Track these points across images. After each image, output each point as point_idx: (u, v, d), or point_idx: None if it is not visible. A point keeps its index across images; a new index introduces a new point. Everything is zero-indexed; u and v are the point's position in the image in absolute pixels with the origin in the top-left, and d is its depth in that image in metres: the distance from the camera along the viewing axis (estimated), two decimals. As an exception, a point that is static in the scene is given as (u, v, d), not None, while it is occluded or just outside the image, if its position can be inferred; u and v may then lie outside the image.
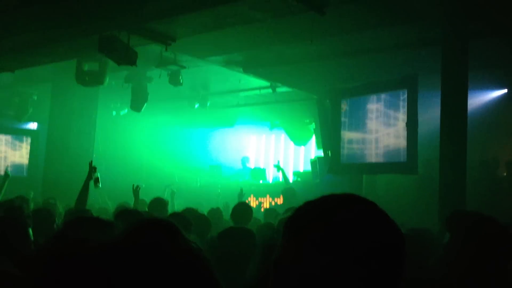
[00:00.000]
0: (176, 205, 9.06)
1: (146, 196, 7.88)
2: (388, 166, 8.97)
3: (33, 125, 15.22)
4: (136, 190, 6.85)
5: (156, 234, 1.00)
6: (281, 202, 10.76)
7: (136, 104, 10.62)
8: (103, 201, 10.34)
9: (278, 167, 12.02)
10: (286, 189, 10.21)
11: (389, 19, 6.94)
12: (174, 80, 9.75)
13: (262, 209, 10.05)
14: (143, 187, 11.28)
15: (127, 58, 7.34)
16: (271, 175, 14.42)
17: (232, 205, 6.11)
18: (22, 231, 2.92)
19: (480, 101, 9.58)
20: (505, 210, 7.01)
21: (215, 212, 6.42)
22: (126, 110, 12.90)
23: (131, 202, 7.06)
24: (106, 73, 9.14)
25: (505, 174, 8.96)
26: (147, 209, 6.10)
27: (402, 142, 8.59)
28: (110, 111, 13.40)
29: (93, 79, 9.12)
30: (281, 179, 12.19)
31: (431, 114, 8.31)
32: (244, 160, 14.15)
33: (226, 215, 6.81)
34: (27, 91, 12.84)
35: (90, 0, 6.70)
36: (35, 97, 13.03)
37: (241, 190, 9.96)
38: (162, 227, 1.03)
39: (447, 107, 6.73)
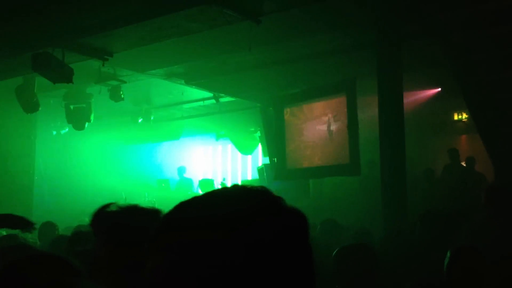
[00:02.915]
0: None
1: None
2: (332, 169, 9.13)
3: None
4: None
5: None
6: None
7: (78, 123, 10.34)
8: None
9: (223, 185, 12.05)
10: None
11: (323, 26, 7.10)
12: (115, 95, 9.59)
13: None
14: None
15: (63, 75, 7.13)
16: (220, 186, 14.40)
17: None
18: None
19: (416, 100, 9.91)
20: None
21: None
22: (66, 129, 12.55)
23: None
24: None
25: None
26: None
27: (344, 145, 8.77)
28: (50, 130, 13.00)
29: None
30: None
31: (370, 116, 8.53)
32: (181, 170, 13.98)
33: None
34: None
35: (21, 17, 6.49)
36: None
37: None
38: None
39: (384, 108, 6.94)
